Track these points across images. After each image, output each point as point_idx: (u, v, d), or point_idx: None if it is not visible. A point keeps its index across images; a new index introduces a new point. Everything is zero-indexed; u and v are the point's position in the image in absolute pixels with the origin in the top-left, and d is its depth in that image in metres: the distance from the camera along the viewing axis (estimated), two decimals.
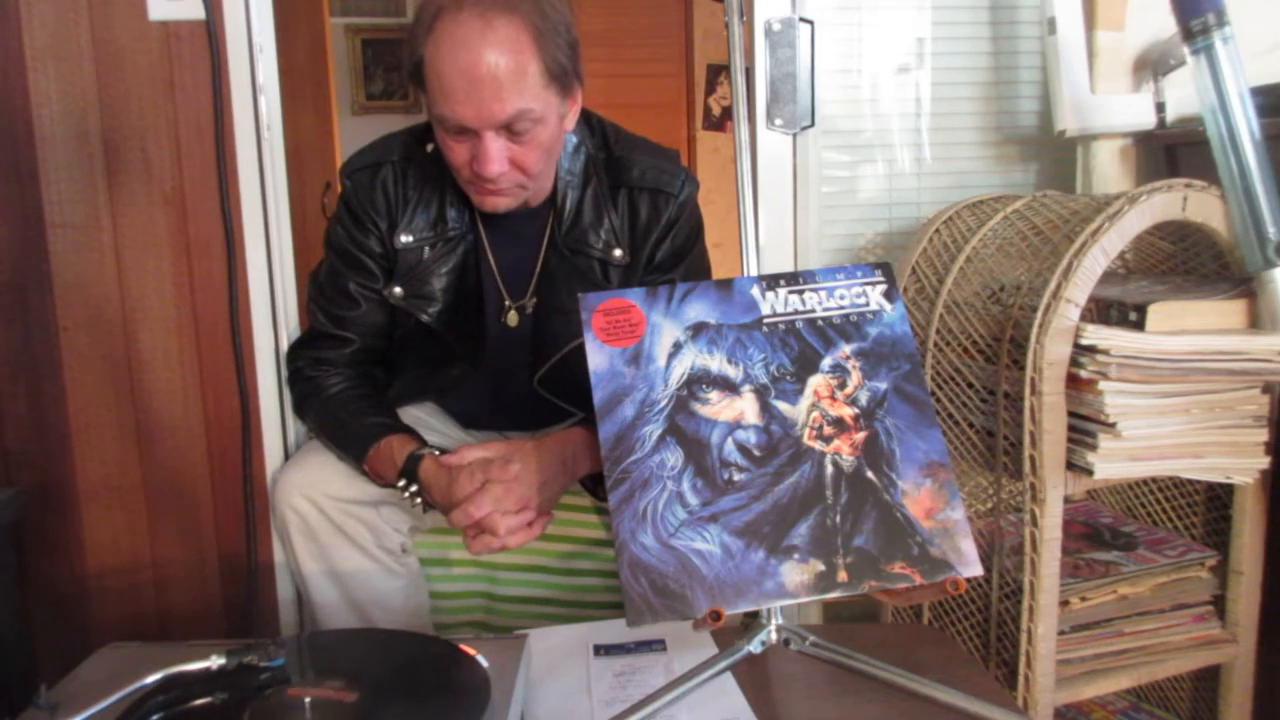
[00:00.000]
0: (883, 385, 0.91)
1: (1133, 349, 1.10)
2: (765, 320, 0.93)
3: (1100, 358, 1.10)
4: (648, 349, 0.92)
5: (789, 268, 1.52)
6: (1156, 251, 1.38)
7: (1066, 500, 1.17)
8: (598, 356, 0.91)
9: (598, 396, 0.90)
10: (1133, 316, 1.13)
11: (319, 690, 0.84)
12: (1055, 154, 1.61)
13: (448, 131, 1.10)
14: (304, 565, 1.23)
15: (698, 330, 0.93)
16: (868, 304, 0.94)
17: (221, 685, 0.85)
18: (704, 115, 3.86)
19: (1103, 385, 1.10)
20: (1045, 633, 1.15)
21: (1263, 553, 1.26)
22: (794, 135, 1.50)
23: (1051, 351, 1.11)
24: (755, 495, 0.86)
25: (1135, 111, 1.47)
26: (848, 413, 0.90)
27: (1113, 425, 1.10)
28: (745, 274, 1.00)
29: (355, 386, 1.30)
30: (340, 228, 1.28)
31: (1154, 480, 1.40)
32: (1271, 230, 1.16)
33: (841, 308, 0.94)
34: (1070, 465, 1.14)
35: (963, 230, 1.34)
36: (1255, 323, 1.18)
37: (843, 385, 0.91)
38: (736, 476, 0.87)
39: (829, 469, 0.88)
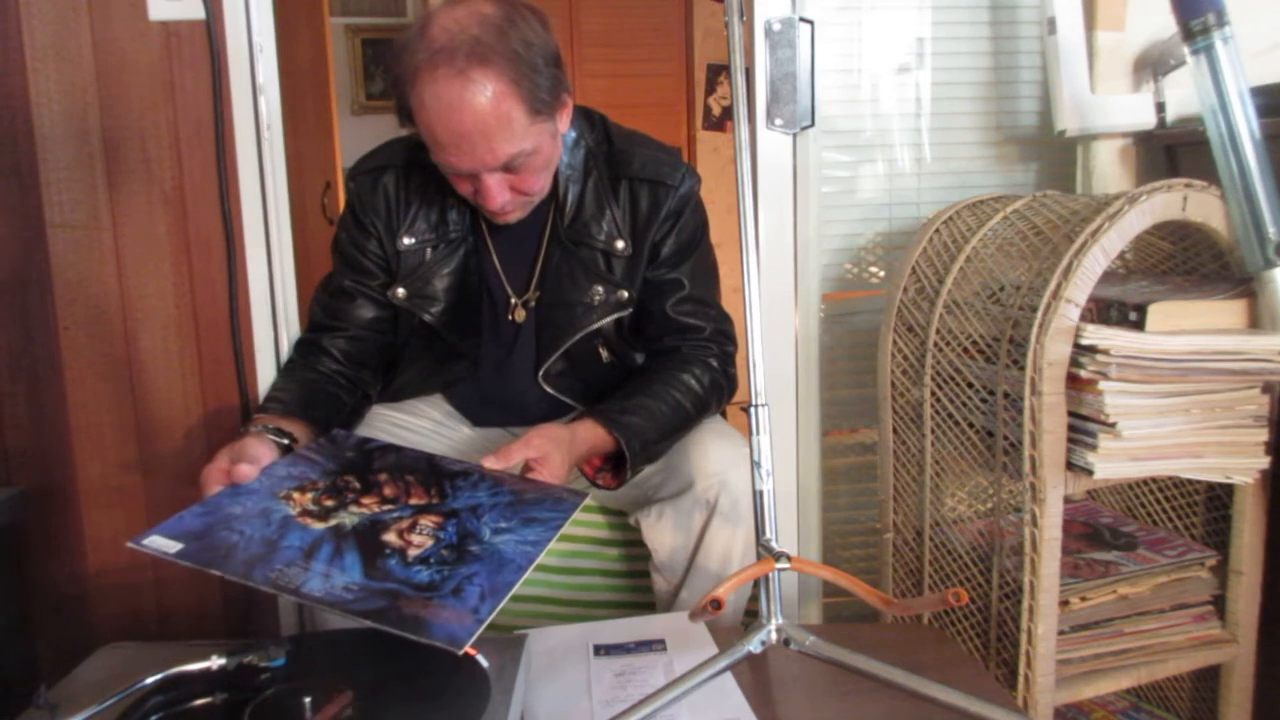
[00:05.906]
0: None
1: (1133, 349, 1.10)
2: None
3: (1100, 358, 1.10)
4: None
5: (789, 267, 1.52)
6: (1156, 251, 1.38)
7: (1066, 500, 1.17)
8: None
9: None
10: (1133, 316, 1.13)
11: (319, 690, 0.84)
12: (1055, 154, 1.61)
13: (447, 173, 1.14)
14: None
15: None
16: None
17: (221, 685, 0.85)
18: (704, 115, 3.85)
19: (1103, 385, 1.10)
20: (1045, 633, 1.15)
21: (1263, 553, 1.26)
22: (794, 135, 1.49)
23: (1051, 351, 1.11)
24: None
25: (1135, 111, 1.47)
26: None
27: (1113, 425, 1.10)
28: (745, 274, 1.00)
29: (329, 378, 1.29)
30: (342, 230, 1.32)
31: (1154, 480, 1.40)
32: (1271, 230, 1.16)
33: None
34: (1070, 465, 1.14)
35: (963, 230, 1.34)
36: (1255, 323, 1.18)
37: None
38: None
39: None
